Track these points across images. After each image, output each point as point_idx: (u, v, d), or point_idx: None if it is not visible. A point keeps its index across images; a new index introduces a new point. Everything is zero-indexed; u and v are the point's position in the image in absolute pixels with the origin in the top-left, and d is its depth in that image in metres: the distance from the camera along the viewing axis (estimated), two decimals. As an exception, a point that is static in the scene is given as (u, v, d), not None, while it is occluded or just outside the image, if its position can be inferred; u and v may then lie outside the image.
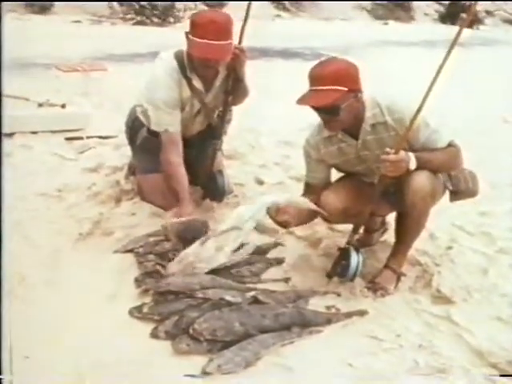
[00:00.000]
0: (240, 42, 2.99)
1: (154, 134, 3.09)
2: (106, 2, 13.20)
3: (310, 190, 2.71)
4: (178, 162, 3.02)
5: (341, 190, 2.67)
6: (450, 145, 2.50)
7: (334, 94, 2.37)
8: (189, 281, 2.44)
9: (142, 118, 3.20)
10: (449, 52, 2.28)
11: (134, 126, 3.28)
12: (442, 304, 2.51)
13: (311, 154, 2.68)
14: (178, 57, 3.00)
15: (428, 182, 2.45)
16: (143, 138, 3.23)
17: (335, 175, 2.81)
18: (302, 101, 2.42)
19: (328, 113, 2.45)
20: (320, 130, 2.61)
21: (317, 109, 2.47)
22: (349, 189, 2.68)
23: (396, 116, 2.46)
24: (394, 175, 2.39)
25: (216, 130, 3.24)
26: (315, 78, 2.41)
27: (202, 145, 3.23)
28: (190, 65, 2.98)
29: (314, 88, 2.41)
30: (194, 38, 2.83)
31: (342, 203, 2.62)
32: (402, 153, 2.36)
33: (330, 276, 2.64)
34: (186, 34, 2.89)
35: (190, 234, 2.73)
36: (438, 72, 2.29)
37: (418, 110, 2.33)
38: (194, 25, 2.85)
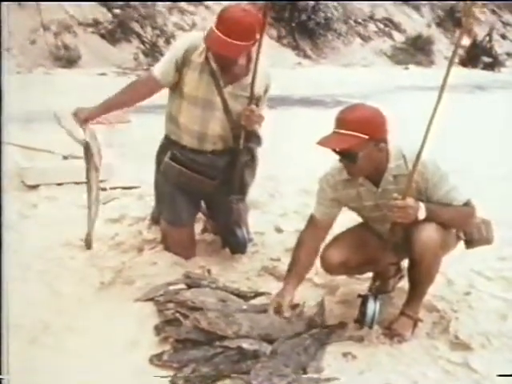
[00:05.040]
0: (250, 102, 2.98)
1: (175, 160, 3.10)
2: (132, 55, 13.55)
3: (315, 223, 2.71)
4: (140, 93, 3.09)
5: (341, 244, 2.73)
6: (466, 204, 2.51)
7: (352, 140, 2.38)
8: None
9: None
10: (441, 93, 2.30)
11: (162, 151, 3.23)
12: (460, 350, 2.51)
13: (328, 192, 2.66)
14: None
15: (436, 234, 2.46)
16: (165, 164, 3.15)
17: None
18: (321, 141, 2.43)
19: (346, 158, 2.46)
20: (341, 171, 2.60)
21: (336, 152, 2.48)
22: (350, 241, 2.74)
23: (420, 169, 2.42)
24: (402, 221, 2.40)
25: (237, 172, 3.15)
26: (339, 120, 2.43)
27: (222, 196, 3.20)
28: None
29: (336, 130, 2.43)
30: (215, 30, 2.83)
31: (342, 256, 2.69)
32: (410, 199, 2.38)
33: (356, 322, 2.65)
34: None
35: None
36: (433, 114, 2.32)
37: (419, 152, 2.35)
38: (219, 17, 2.85)
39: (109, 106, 3.18)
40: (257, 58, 2.88)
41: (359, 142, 2.38)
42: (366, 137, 2.38)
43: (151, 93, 3.09)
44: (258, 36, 2.86)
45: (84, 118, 3.10)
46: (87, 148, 3.14)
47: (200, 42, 2.96)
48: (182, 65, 2.99)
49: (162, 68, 3.03)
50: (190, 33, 3.19)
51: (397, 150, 2.51)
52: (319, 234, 2.72)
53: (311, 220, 2.73)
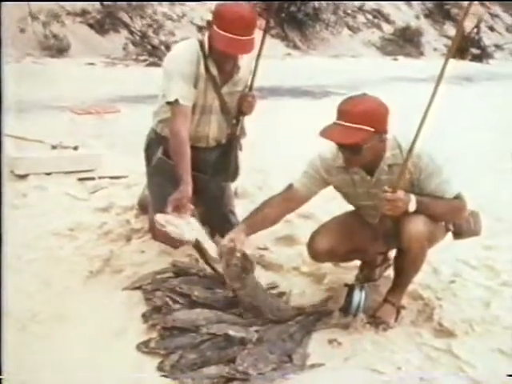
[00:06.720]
0: (251, 89, 3.06)
1: (168, 156, 3.06)
2: (121, 45, 13.48)
3: (292, 193, 2.66)
4: (186, 136, 2.93)
5: (329, 231, 2.73)
6: (456, 197, 2.49)
7: (361, 134, 2.32)
8: (194, 317, 2.52)
9: (152, 121, 3.19)
10: (437, 83, 2.29)
11: (151, 146, 3.22)
12: (443, 337, 2.55)
13: (321, 172, 2.61)
14: (200, 41, 3.00)
15: (424, 226, 2.44)
16: (158, 159, 3.14)
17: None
18: (325, 134, 2.36)
19: (350, 150, 2.41)
20: (337, 157, 2.55)
21: (339, 144, 2.44)
22: (338, 229, 2.74)
23: (414, 160, 2.40)
24: (391, 214, 2.38)
25: (230, 160, 3.22)
26: (344, 112, 2.35)
27: (215, 185, 3.25)
28: (209, 53, 2.95)
29: (341, 123, 2.34)
30: (219, 31, 2.78)
31: (329, 244, 2.69)
32: (401, 192, 2.35)
33: (341, 310, 2.66)
34: (209, 23, 2.88)
35: None
36: (429, 105, 2.29)
37: (412, 146, 2.32)
38: (219, 16, 2.80)
39: (185, 175, 2.89)
40: (259, 53, 2.96)
41: (366, 135, 2.33)
42: (373, 130, 2.33)
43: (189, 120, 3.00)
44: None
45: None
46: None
47: (198, 51, 2.95)
48: (196, 80, 2.96)
49: (185, 93, 2.91)
50: (184, 45, 3.07)
51: (393, 139, 2.48)
52: (290, 204, 2.69)
53: (288, 189, 2.67)
